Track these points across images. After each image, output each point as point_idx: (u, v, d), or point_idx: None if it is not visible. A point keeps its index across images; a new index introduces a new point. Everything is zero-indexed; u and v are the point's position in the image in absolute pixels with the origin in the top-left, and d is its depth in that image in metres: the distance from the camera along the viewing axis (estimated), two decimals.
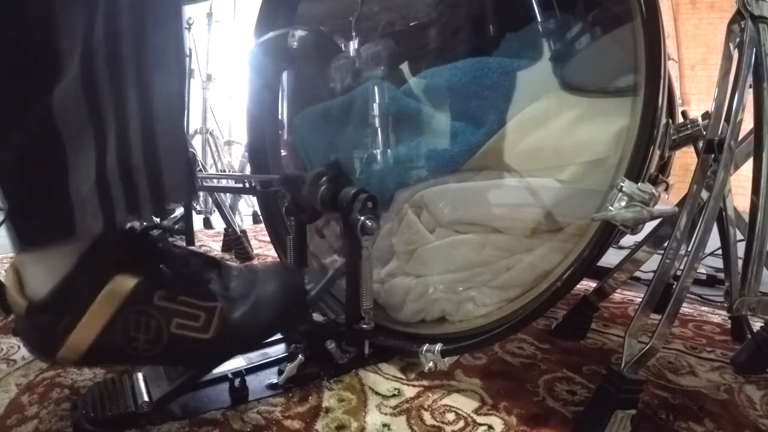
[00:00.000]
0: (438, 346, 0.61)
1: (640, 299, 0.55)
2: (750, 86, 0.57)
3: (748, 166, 0.63)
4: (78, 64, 0.38)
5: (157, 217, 0.47)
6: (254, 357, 0.66)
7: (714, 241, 0.60)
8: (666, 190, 0.86)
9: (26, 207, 0.42)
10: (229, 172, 2.33)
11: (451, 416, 0.55)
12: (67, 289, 0.43)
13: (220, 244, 1.64)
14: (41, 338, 0.45)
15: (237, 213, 2.13)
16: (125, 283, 0.44)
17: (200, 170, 1.87)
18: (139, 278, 0.45)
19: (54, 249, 0.43)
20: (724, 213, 0.62)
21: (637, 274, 0.96)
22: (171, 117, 0.44)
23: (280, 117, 1.03)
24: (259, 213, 1.45)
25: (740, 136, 0.58)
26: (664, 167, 0.88)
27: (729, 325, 0.85)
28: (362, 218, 0.65)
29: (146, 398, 0.52)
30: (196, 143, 2.25)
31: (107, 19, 0.39)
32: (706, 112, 0.60)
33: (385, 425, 0.53)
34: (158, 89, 0.42)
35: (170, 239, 0.52)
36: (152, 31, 0.41)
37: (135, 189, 0.42)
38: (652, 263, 0.68)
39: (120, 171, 0.41)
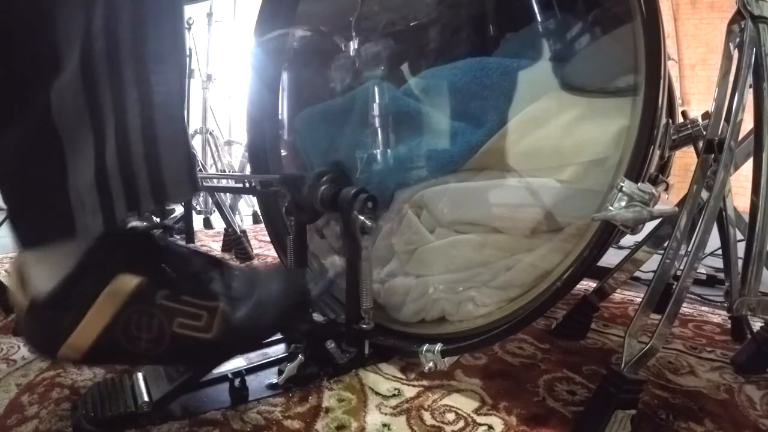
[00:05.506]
0: (438, 346, 0.61)
1: (640, 299, 0.55)
2: (750, 86, 0.57)
3: (748, 166, 0.63)
4: (77, 57, 0.38)
5: (158, 207, 0.47)
6: (254, 357, 0.66)
7: (714, 241, 0.60)
8: (666, 190, 0.86)
9: (26, 205, 0.41)
10: (229, 172, 2.33)
11: (451, 416, 0.55)
12: (70, 287, 0.43)
13: (220, 244, 1.64)
14: (42, 335, 0.44)
15: (237, 213, 2.13)
16: (128, 281, 0.44)
17: (200, 170, 1.87)
18: (142, 277, 0.45)
19: (56, 247, 0.42)
20: (724, 213, 0.62)
21: (637, 274, 0.96)
22: (171, 107, 0.43)
23: (280, 117, 1.03)
24: (259, 213, 1.45)
25: (740, 136, 0.58)
26: (664, 167, 0.88)
27: (729, 325, 0.85)
28: (362, 218, 0.65)
29: (146, 398, 0.52)
30: (196, 143, 2.26)
31: (107, 10, 0.39)
32: (706, 112, 0.60)
33: (385, 425, 0.53)
34: (158, 80, 0.42)
35: (171, 239, 0.51)
36: (152, 23, 0.41)
37: (134, 181, 0.41)
38: (652, 263, 0.68)
39: (119, 163, 0.41)
